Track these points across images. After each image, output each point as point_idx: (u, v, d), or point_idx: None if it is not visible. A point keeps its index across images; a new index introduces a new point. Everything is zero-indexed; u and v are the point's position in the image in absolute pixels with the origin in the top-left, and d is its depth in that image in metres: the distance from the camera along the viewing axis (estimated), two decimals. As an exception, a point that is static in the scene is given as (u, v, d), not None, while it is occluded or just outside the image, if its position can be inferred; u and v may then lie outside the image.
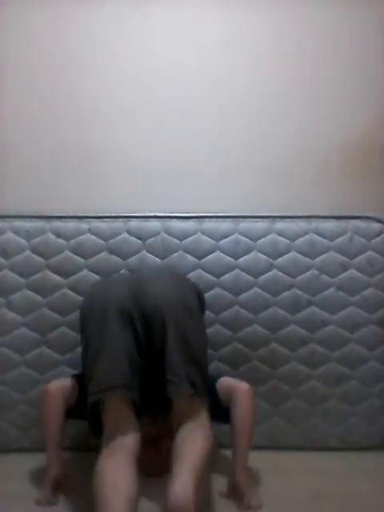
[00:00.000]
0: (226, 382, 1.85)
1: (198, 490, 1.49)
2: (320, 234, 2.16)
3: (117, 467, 1.54)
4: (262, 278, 2.12)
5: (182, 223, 2.19)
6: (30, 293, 2.10)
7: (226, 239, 2.15)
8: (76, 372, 1.96)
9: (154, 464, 1.74)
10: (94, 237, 2.17)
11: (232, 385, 1.83)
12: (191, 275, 2.12)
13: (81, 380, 1.86)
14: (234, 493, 1.69)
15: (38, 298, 2.10)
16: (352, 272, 2.14)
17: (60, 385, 1.84)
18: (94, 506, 1.46)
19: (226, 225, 2.16)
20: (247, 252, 2.14)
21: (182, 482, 1.48)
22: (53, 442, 1.76)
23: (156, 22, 2.25)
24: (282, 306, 2.11)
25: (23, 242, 2.14)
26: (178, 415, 1.69)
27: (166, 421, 1.73)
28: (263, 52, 2.30)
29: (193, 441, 1.62)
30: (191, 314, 1.79)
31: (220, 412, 1.81)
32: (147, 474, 1.74)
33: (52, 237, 2.14)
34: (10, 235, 2.14)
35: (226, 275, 2.13)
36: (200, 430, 1.66)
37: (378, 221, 2.19)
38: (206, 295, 2.07)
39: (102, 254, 2.16)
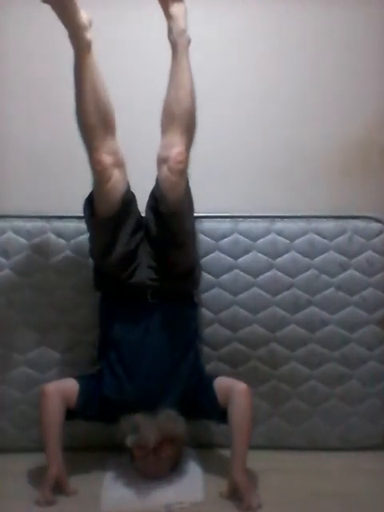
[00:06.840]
0: (223, 382, 1.85)
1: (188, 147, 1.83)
2: (319, 234, 2.16)
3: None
4: (262, 277, 2.13)
5: (181, 223, 2.19)
6: (30, 292, 2.10)
7: (226, 239, 2.15)
8: (76, 372, 1.97)
9: (154, 469, 1.76)
10: (94, 237, 2.17)
11: (229, 384, 1.83)
12: (191, 275, 2.12)
13: (81, 381, 1.87)
14: (234, 493, 1.69)
15: (39, 297, 2.10)
16: (351, 272, 2.14)
17: (57, 385, 1.84)
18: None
19: (225, 225, 2.16)
20: (246, 252, 2.14)
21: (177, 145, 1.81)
22: (51, 442, 1.76)
23: (156, 21, 2.25)
24: (281, 306, 2.11)
25: (24, 241, 2.13)
26: None
27: (167, 425, 1.74)
28: (263, 52, 2.30)
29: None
30: None
31: (218, 412, 1.82)
32: (148, 477, 1.76)
33: (53, 237, 2.14)
34: (11, 235, 2.14)
35: (226, 275, 2.12)
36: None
37: (378, 221, 2.18)
38: (206, 295, 2.09)
39: (102, 254, 2.16)
